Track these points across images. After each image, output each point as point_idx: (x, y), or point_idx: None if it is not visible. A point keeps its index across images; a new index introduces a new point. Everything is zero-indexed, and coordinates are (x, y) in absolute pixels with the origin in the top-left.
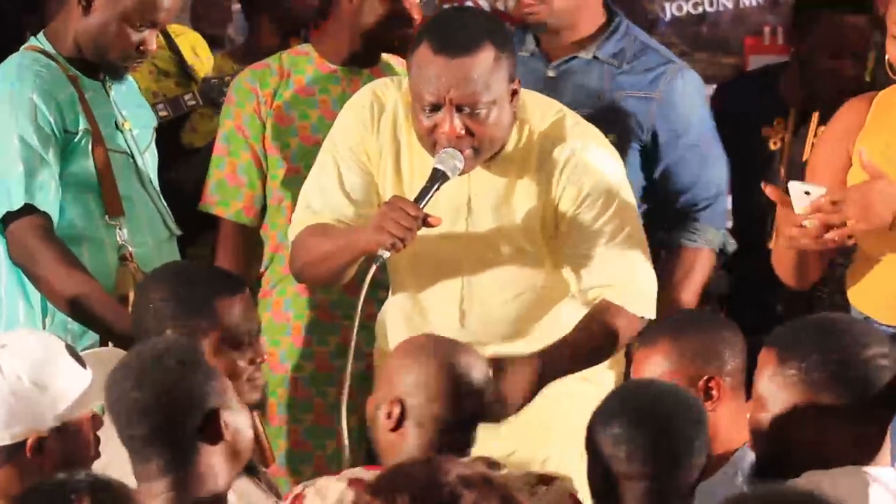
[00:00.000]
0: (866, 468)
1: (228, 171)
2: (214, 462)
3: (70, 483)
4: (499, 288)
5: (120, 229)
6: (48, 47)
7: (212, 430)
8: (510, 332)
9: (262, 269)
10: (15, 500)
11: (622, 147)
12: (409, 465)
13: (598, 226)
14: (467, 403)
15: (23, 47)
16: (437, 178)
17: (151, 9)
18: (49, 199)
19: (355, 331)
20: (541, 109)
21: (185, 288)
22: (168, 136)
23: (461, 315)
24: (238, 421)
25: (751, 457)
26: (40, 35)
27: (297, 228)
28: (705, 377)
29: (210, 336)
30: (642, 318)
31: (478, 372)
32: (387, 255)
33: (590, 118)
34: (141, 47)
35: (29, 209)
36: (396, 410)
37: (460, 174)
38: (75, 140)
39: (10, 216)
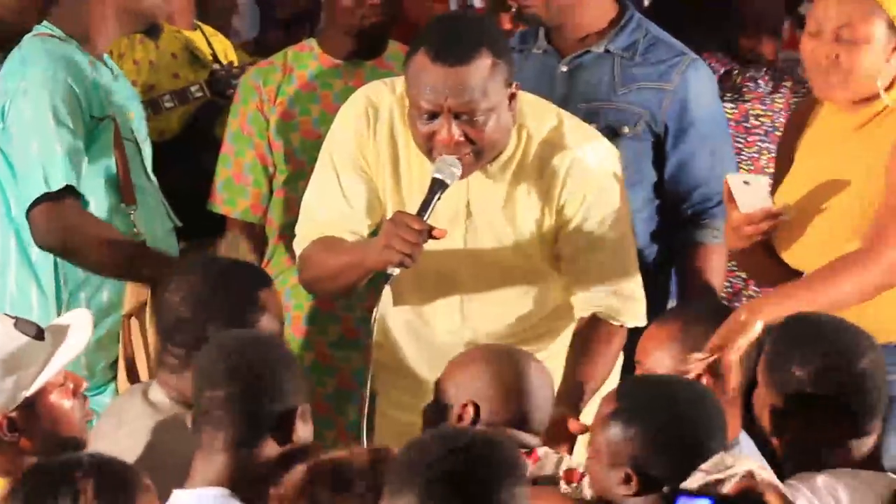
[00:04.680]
0: (857, 471)
1: (235, 170)
2: (273, 459)
3: (72, 464)
4: (499, 291)
5: (133, 218)
6: (59, 33)
7: (285, 427)
8: (510, 333)
9: (265, 261)
10: (17, 482)
11: (636, 139)
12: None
13: (597, 236)
14: (537, 411)
15: (32, 34)
16: (437, 187)
17: None
18: (82, 184)
19: (372, 355)
20: (539, 115)
21: (229, 281)
22: (202, 129)
23: (462, 318)
24: (306, 433)
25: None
26: (46, 22)
27: (304, 242)
28: (696, 374)
29: (256, 327)
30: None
31: (547, 382)
32: (396, 272)
33: (603, 111)
34: None
35: (66, 191)
36: (470, 412)
37: (460, 178)
38: (100, 126)
39: (45, 197)
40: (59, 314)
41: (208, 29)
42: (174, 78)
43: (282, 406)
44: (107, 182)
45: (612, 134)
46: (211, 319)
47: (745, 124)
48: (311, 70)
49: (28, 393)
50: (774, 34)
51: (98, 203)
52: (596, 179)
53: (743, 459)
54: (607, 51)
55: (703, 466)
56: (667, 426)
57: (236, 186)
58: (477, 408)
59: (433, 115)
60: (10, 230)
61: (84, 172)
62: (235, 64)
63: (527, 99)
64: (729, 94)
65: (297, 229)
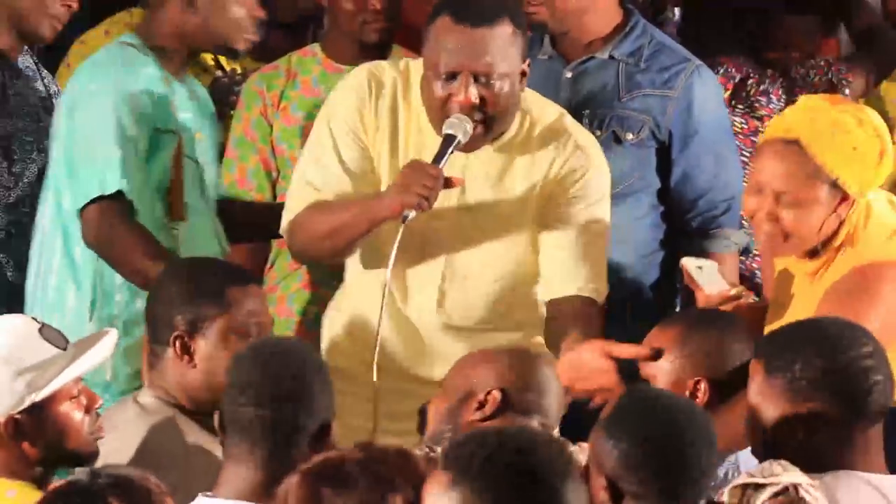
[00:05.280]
0: (861, 473)
1: (238, 175)
2: None
3: (95, 486)
4: (480, 269)
5: (178, 234)
6: (139, 44)
7: (321, 441)
8: (486, 318)
9: (267, 266)
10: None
11: (640, 146)
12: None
13: (584, 218)
14: (555, 407)
15: (118, 41)
16: (450, 141)
17: None
18: (135, 191)
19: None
20: (541, 104)
21: (198, 276)
22: None
23: (440, 295)
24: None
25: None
26: (133, 34)
27: (298, 207)
28: (696, 378)
29: (218, 322)
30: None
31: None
32: (412, 215)
33: (607, 118)
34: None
35: (117, 196)
36: (497, 397)
37: (469, 150)
38: (163, 139)
39: (98, 199)
40: (91, 316)
41: None
42: None
43: (318, 421)
44: (158, 194)
45: (616, 140)
46: (178, 314)
47: (754, 138)
48: (315, 75)
49: (38, 398)
50: (804, 53)
51: (145, 213)
52: (593, 164)
53: (792, 471)
54: (612, 57)
55: (751, 471)
56: (641, 446)
57: (239, 192)
58: (503, 395)
59: (451, 77)
60: (59, 228)
61: (139, 181)
62: (238, 71)
63: (531, 90)
64: (740, 108)
65: (288, 197)
